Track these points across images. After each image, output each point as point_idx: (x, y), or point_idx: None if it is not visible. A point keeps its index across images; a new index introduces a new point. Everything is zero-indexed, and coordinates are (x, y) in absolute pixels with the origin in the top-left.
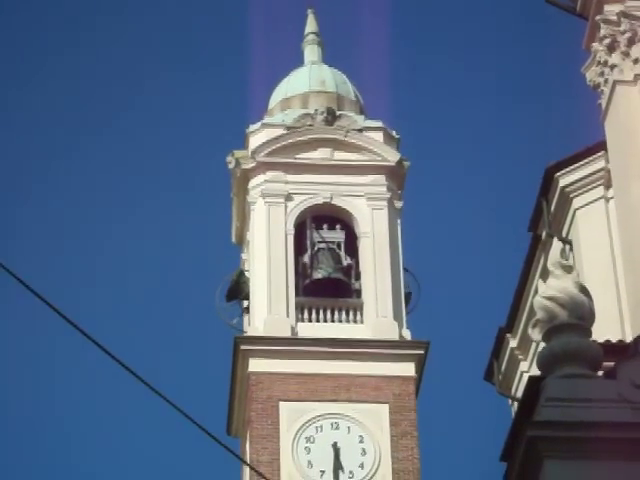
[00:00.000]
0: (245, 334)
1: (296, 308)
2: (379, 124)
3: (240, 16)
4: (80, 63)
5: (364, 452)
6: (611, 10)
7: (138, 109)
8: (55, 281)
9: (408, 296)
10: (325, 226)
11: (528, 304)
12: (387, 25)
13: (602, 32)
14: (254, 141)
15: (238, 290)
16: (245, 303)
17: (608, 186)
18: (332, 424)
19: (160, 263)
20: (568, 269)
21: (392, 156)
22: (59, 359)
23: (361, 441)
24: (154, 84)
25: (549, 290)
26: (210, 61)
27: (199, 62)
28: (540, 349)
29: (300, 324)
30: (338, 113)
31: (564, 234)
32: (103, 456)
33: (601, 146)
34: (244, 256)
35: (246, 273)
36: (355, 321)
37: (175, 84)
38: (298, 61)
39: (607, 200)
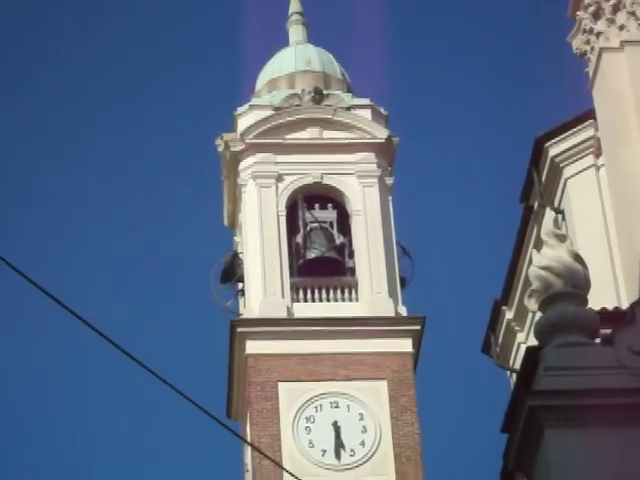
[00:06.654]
0: (241, 316)
1: (291, 289)
2: (367, 101)
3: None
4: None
5: (365, 430)
6: None
7: (126, 96)
8: (48, 267)
9: (402, 272)
10: (317, 205)
11: (523, 275)
12: (370, 1)
13: (587, 0)
14: (242, 123)
15: (232, 272)
16: (240, 285)
17: (598, 154)
18: (331, 403)
19: (153, 248)
20: (562, 238)
21: (381, 133)
22: (56, 344)
23: (361, 419)
24: (140, 70)
25: (544, 260)
26: (196, 45)
27: (185, 47)
28: (537, 319)
29: (296, 304)
30: (325, 92)
31: (556, 204)
32: (105, 439)
33: (590, 114)
34: (237, 238)
35: (240, 255)
36: (350, 299)
37: (162, 69)
38: (283, 42)
39: (597, 168)
